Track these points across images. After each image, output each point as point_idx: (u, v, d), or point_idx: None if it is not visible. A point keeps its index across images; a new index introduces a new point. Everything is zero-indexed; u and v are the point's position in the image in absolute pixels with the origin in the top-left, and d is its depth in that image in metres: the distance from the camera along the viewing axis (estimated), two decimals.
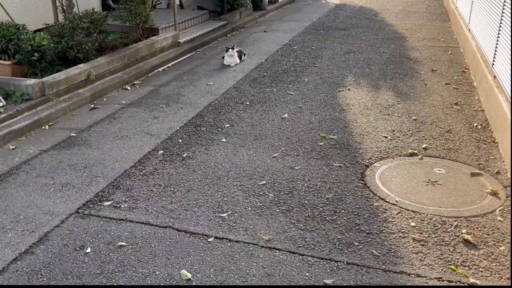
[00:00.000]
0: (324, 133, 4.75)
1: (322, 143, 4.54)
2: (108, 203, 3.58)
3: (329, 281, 2.76)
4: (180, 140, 4.68)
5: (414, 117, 5.09)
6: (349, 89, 6.04)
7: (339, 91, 6.00)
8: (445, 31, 9.18)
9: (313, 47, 8.22)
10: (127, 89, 6.37)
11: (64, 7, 6.63)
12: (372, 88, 6.08)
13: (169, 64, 7.57)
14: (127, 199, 3.62)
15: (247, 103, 5.67)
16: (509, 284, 2.81)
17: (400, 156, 4.26)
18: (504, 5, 5.04)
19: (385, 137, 4.64)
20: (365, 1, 13.20)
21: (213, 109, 5.52)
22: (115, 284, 2.76)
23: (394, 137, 4.64)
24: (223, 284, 2.74)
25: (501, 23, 5.10)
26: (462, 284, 2.74)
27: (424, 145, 4.42)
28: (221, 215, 3.40)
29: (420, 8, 11.78)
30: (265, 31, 9.79)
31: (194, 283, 2.76)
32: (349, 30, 9.55)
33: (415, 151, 4.32)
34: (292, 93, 5.97)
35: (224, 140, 4.66)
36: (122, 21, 7.21)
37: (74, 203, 3.59)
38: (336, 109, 5.40)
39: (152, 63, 7.26)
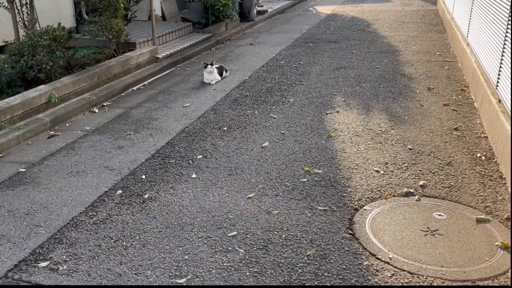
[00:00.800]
0: (308, 166, 4.18)
1: (305, 179, 3.96)
2: (44, 264, 2.98)
3: None
4: (143, 176, 4.10)
5: (409, 146, 4.53)
6: (337, 112, 5.48)
7: (327, 113, 5.44)
8: (441, 44, 8.65)
9: (301, 62, 7.68)
10: (95, 111, 5.79)
11: (26, 22, 6.04)
12: (363, 110, 5.52)
13: (145, 82, 7.00)
14: (68, 258, 3.02)
15: (225, 128, 5.11)
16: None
17: (394, 196, 3.69)
18: (510, 18, 4.50)
19: (377, 171, 4.07)
20: (357, 11, 12.70)
21: (186, 136, 4.94)
22: None
23: (387, 171, 4.07)
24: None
25: (505, 39, 4.55)
26: None
27: (421, 182, 3.86)
28: (179, 281, 2.81)
29: (415, 19, 11.27)
30: (251, 44, 9.25)
31: None
32: (340, 42, 9.01)
33: (411, 190, 3.75)
34: (275, 116, 5.41)
35: (194, 176, 4.08)
36: (92, 36, 6.64)
37: (5, 264, 2.99)
38: (322, 136, 4.83)
39: (126, 82, 6.68)
